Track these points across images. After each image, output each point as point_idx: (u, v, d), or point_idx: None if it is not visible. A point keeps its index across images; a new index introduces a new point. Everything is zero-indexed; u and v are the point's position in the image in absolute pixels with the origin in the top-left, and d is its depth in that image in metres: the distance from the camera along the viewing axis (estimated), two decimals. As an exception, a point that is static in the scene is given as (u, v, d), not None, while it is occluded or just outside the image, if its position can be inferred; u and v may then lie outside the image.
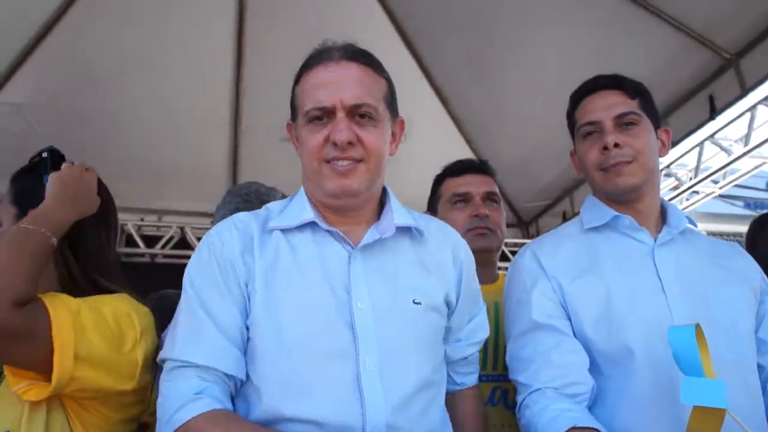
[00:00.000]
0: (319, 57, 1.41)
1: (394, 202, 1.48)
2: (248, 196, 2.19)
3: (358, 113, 1.35)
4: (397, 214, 1.45)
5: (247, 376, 1.33)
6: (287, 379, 1.27)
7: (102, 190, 1.58)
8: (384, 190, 1.51)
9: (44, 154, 1.52)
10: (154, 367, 1.46)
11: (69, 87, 4.35)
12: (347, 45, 1.43)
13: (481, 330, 1.59)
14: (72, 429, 1.34)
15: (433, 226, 1.55)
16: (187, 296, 1.37)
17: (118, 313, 1.38)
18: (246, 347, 1.35)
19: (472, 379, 1.61)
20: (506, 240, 6.07)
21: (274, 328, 1.31)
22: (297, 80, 1.46)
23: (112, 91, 4.43)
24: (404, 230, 1.46)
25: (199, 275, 1.39)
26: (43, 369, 1.24)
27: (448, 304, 1.46)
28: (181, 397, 1.26)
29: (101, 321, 1.33)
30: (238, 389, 1.35)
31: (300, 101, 1.42)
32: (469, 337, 1.55)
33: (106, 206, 1.58)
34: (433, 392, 1.37)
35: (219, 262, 1.37)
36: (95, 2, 4.03)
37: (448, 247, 1.52)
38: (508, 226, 5.92)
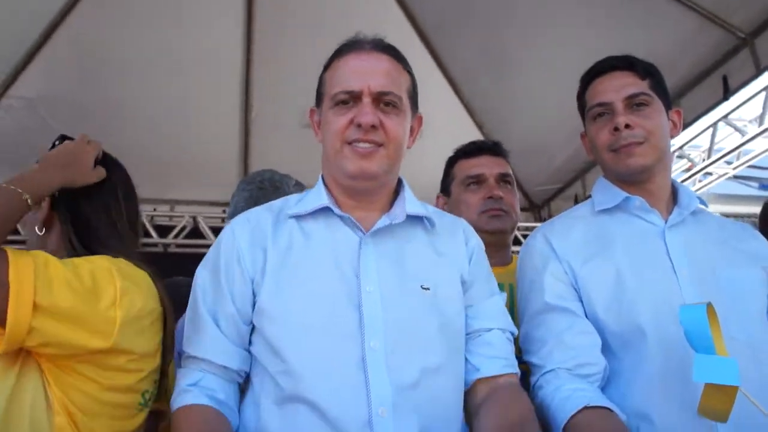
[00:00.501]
0: (351, 46, 1.48)
1: (407, 193, 1.52)
2: (262, 183, 2.21)
3: (383, 101, 1.41)
4: (410, 203, 1.49)
5: (258, 362, 1.39)
6: (294, 360, 1.31)
7: (108, 161, 1.58)
8: (399, 182, 1.55)
9: (57, 143, 1.54)
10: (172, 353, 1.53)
11: (80, 81, 4.39)
12: (378, 39, 1.50)
13: (504, 316, 1.51)
14: (48, 395, 1.28)
15: (447, 219, 1.60)
16: (194, 291, 1.47)
17: (98, 269, 1.33)
18: (250, 339, 1.41)
19: (495, 365, 1.43)
20: (518, 224, 6.08)
21: (282, 312, 1.36)
22: (327, 66, 1.52)
23: (122, 83, 4.46)
24: (416, 220, 1.49)
25: (206, 271, 1.48)
26: (2, 320, 1.19)
27: (463, 282, 1.48)
28: (178, 386, 1.39)
29: (73, 274, 1.28)
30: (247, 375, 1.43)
31: (328, 85, 1.48)
32: (488, 312, 1.49)
33: (112, 177, 1.56)
34: (443, 378, 1.36)
35: (226, 258, 1.44)
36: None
37: (459, 234, 1.55)
38: (521, 210, 5.97)
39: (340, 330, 1.32)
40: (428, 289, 1.41)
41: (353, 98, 1.41)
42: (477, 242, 1.58)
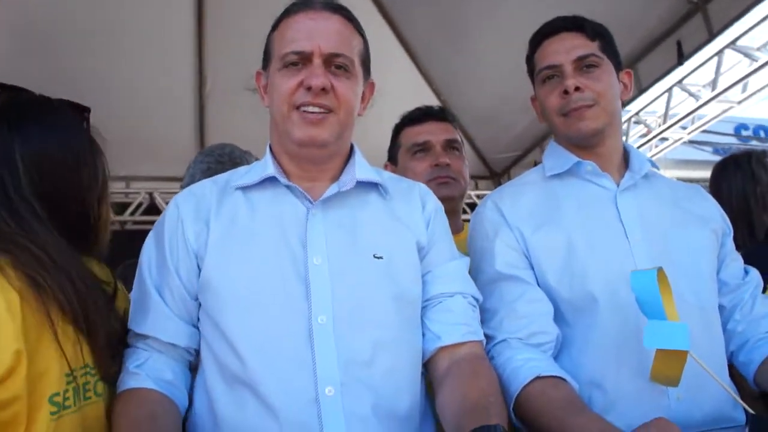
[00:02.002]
0: (301, 5, 1.41)
1: (358, 158, 1.46)
2: (221, 157, 2.16)
3: (334, 63, 1.35)
4: (360, 169, 1.43)
5: (204, 340, 1.34)
6: (237, 338, 1.26)
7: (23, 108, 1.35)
8: (351, 148, 1.48)
9: None
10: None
11: (26, 56, 4.21)
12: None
13: (466, 280, 1.45)
14: None
15: (402, 184, 1.53)
16: (140, 267, 1.41)
17: None
18: (197, 315, 1.36)
19: (456, 333, 1.36)
20: (478, 192, 6.13)
21: (224, 287, 1.30)
22: (275, 26, 1.44)
23: (71, 58, 4.32)
24: (370, 186, 1.44)
25: (151, 246, 1.42)
26: None
27: (421, 248, 1.42)
28: (125, 368, 1.33)
29: None
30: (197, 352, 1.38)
31: (276, 46, 1.40)
32: (449, 276, 1.43)
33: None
34: (398, 352, 1.31)
35: (170, 232, 1.38)
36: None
37: (416, 199, 1.49)
38: (480, 178, 6.02)
39: (286, 305, 1.27)
40: (381, 258, 1.35)
41: (303, 60, 1.34)
42: (434, 205, 1.51)
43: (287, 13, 1.42)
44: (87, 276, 1.30)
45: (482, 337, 1.42)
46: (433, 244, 1.45)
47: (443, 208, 1.54)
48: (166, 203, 5.08)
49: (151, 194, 5.26)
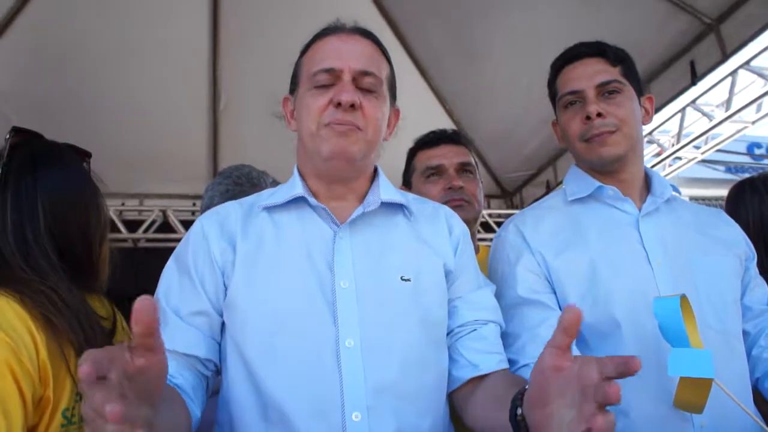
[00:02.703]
0: (331, 29, 1.43)
1: (382, 180, 1.46)
2: (239, 179, 2.17)
3: (363, 81, 1.35)
4: (385, 190, 1.42)
5: (227, 359, 1.31)
6: (266, 360, 1.24)
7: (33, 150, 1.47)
8: (375, 170, 1.48)
9: (8, 136, 1.44)
10: None
11: (41, 74, 4.24)
12: (359, 25, 1.45)
13: (497, 309, 1.45)
14: None
15: (427, 206, 1.53)
16: (158, 290, 1.38)
17: None
18: (220, 332, 1.34)
19: (491, 361, 1.36)
20: (491, 211, 6.12)
21: (252, 309, 1.28)
22: (304, 50, 1.45)
23: (86, 76, 4.33)
24: (395, 207, 1.43)
25: (173, 269, 1.39)
26: None
27: (447, 273, 1.41)
28: None
29: None
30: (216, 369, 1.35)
31: (305, 68, 1.41)
32: (481, 303, 1.42)
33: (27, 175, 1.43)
34: (424, 373, 1.30)
35: (194, 252, 1.36)
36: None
37: (442, 222, 1.48)
38: (493, 197, 6.02)
39: (313, 328, 1.26)
40: (409, 280, 1.34)
41: (332, 78, 1.34)
42: (462, 230, 1.50)
43: (317, 37, 1.44)
44: (91, 315, 1.40)
45: (508, 365, 1.41)
46: (462, 269, 1.44)
47: (468, 232, 1.53)
48: (180, 221, 5.15)
49: (164, 212, 5.26)
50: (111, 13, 4.13)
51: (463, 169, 2.15)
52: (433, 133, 2.26)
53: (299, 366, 1.23)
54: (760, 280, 1.65)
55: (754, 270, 1.65)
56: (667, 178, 5.58)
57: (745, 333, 1.56)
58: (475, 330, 1.39)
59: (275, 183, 2.16)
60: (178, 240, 1.52)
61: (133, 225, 5.22)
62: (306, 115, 1.36)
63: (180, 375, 1.26)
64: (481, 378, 1.34)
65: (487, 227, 5.59)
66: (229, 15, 4.42)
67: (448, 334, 1.40)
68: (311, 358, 1.24)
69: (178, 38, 4.44)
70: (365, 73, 1.35)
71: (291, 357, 1.24)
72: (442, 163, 2.14)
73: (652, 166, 5.42)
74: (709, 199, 11.48)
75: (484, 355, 1.36)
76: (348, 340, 1.25)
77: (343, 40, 1.39)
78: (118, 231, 5.06)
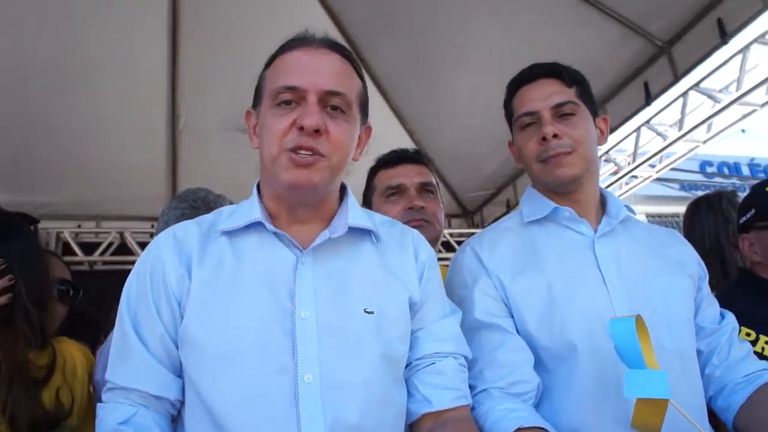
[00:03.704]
0: (298, 41, 1.32)
1: (351, 202, 1.38)
2: (195, 203, 2.11)
3: (330, 103, 1.26)
4: (353, 214, 1.35)
5: (186, 394, 1.26)
6: (215, 399, 1.18)
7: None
8: (343, 190, 1.41)
9: None
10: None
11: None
12: (328, 37, 1.34)
13: (458, 339, 1.40)
14: None
15: (396, 229, 1.46)
16: (121, 314, 1.30)
17: None
18: (180, 366, 1.27)
19: (446, 398, 1.31)
20: (452, 230, 6.15)
21: (204, 341, 1.21)
22: (269, 63, 1.35)
23: (40, 94, 4.23)
24: (363, 233, 1.36)
25: (132, 292, 1.31)
26: None
27: (411, 305, 1.35)
28: (106, 425, 1.21)
29: None
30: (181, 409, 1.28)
31: (269, 82, 1.31)
32: (441, 334, 1.37)
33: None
34: (384, 412, 1.24)
35: (152, 278, 1.29)
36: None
37: (409, 248, 1.42)
38: (454, 216, 6.04)
39: (271, 361, 1.19)
40: (372, 312, 1.27)
41: (297, 98, 1.24)
42: (428, 255, 1.43)
43: (282, 49, 1.33)
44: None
45: (470, 400, 1.38)
46: (427, 299, 1.38)
47: (435, 257, 1.49)
48: (137, 243, 5.04)
49: (121, 234, 5.15)
50: (64, 32, 4.05)
51: (424, 188, 2.14)
52: (394, 152, 2.23)
53: (255, 401, 1.17)
54: (712, 299, 1.67)
55: (707, 289, 1.67)
56: (624, 196, 5.72)
57: (698, 352, 1.57)
58: (433, 363, 1.34)
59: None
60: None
61: (89, 247, 5.10)
62: (267, 137, 1.27)
63: (158, 427, 1.21)
64: (438, 414, 1.30)
65: (448, 247, 5.61)
66: (188, 36, 4.37)
67: (406, 366, 1.35)
68: (268, 393, 1.18)
69: (137, 58, 4.37)
70: (333, 93, 1.25)
71: (248, 394, 1.17)
72: (403, 183, 2.12)
73: (610, 185, 5.53)
74: (665, 215, 11.75)
75: (440, 391, 1.32)
76: (307, 375, 1.18)
77: (310, 54, 1.29)
78: (74, 254, 4.93)
